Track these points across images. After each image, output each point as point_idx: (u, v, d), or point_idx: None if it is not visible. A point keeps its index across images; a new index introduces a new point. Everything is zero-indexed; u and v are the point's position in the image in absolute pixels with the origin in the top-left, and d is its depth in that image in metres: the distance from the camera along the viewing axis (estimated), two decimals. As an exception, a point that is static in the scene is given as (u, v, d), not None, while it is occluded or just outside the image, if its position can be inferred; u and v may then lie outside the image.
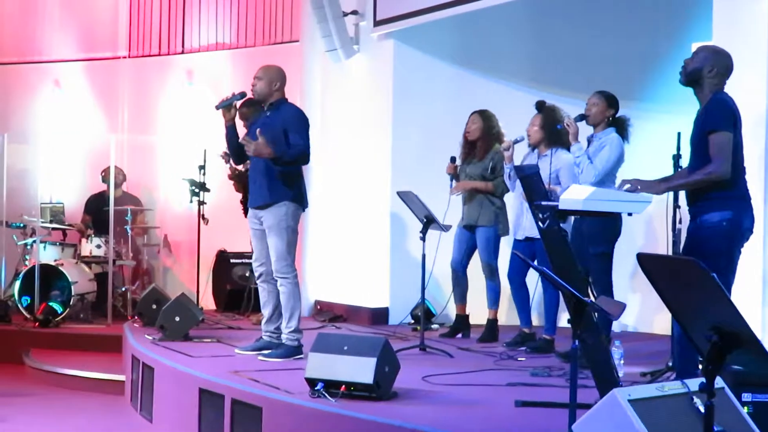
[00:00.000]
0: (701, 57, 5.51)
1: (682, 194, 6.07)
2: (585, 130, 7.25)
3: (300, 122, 7.21)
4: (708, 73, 5.47)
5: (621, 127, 7.16)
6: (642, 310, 9.30)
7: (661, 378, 6.31)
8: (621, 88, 8.45)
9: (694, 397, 3.52)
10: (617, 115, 7.19)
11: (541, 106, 7.69)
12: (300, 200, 7.25)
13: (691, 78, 5.50)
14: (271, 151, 7.01)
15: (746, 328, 3.00)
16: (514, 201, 8.04)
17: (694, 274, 3.04)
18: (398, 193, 8.34)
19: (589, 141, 7.21)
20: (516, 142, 7.77)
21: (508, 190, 8.22)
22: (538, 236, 7.48)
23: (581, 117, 7.16)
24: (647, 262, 3.21)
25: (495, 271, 8.36)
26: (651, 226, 8.97)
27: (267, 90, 7.27)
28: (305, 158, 7.18)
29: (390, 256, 9.90)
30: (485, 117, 8.43)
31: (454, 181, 8.43)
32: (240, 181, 9.20)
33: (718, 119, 5.37)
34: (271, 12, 11.93)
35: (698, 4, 7.86)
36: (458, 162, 8.46)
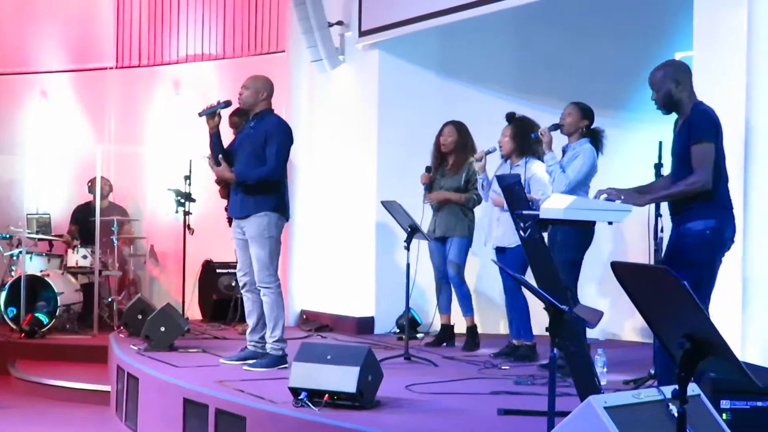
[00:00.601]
0: (660, 79, 5.56)
1: (664, 203, 6.11)
2: (561, 139, 7.30)
3: (279, 134, 7.23)
4: (676, 88, 5.52)
5: (595, 138, 7.23)
6: (612, 317, 9.31)
7: (643, 386, 6.34)
8: (604, 97, 8.53)
9: (670, 404, 3.55)
10: (593, 127, 7.25)
11: (511, 117, 7.76)
12: (282, 210, 7.27)
13: (668, 103, 5.55)
14: (233, 177, 7.16)
15: (717, 335, 3.03)
16: (485, 211, 8.11)
17: (666, 282, 3.07)
18: (383, 203, 8.37)
19: (564, 151, 7.28)
20: (488, 152, 7.83)
21: (479, 202, 8.30)
22: (508, 245, 7.63)
23: (555, 126, 7.23)
24: (620, 270, 3.24)
25: (462, 277, 8.42)
26: (636, 235, 9.00)
27: (253, 100, 7.30)
28: (272, 177, 7.20)
29: (375, 265, 9.93)
30: (460, 130, 8.49)
31: (426, 193, 8.48)
32: (226, 186, 9.22)
33: (702, 130, 5.41)
34: (257, 23, 11.96)
35: (680, 15, 7.91)
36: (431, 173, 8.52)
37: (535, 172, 7.57)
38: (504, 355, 7.87)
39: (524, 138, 7.63)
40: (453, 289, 8.52)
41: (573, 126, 7.22)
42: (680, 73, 5.58)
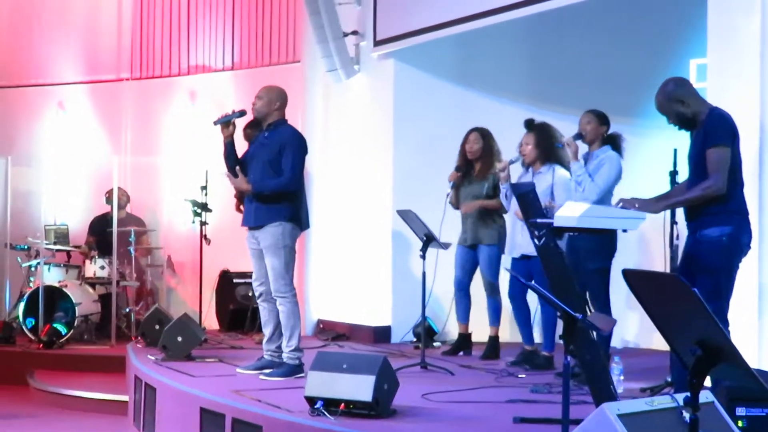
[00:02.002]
0: (664, 103, 5.58)
1: (679, 210, 6.11)
2: (581, 148, 7.30)
3: (294, 145, 7.26)
4: (683, 106, 5.52)
5: (615, 143, 7.22)
6: (642, 326, 9.31)
7: (660, 394, 6.32)
8: (618, 105, 8.52)
9: (683, 411, 3.54)
10: (610, 132, 7.25)
11: (530, 124, 7.75)
12: (296, 219, 7.29)
13: (684, 121, 5.56)
14: (249, 188, 7.18)
15: (728, 342, 3.03)
16: (509, 220, 8.09)
17: (677, 289, 3.08)
18: (398, 212, 8.38)
19: (586, 159, 7.26)
20: (512, 162, 7.80)
21: (505, 211, 8.29)
22: (534, 254, 7.60)
23: (578, 136, 7.21)
24: (632, 278, 3.25)
25: (496, 289, 8.41)
26: (648, 242, 8.99)
27: (266, 110, 7.32)
28: (288, 188, 7.23)
29: (392, 274, 9.93)
30: (485, 136, 8.48)
31: (451, 192, 8.45)
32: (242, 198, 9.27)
33: (717, 134, 5.41)
34: (273, 33, 12.01)
35: (694, 22, 7.91)
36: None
37: (561, 178, 7.53)
38: (518, 362, 7.86)
39: (549, 145, 7.62)
40: (486, 299, 8.45)
41: (594, 134, 7.21)
42: (679, 89, 5.58)
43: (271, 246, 7.16)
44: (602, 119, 7.23)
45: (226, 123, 7.29)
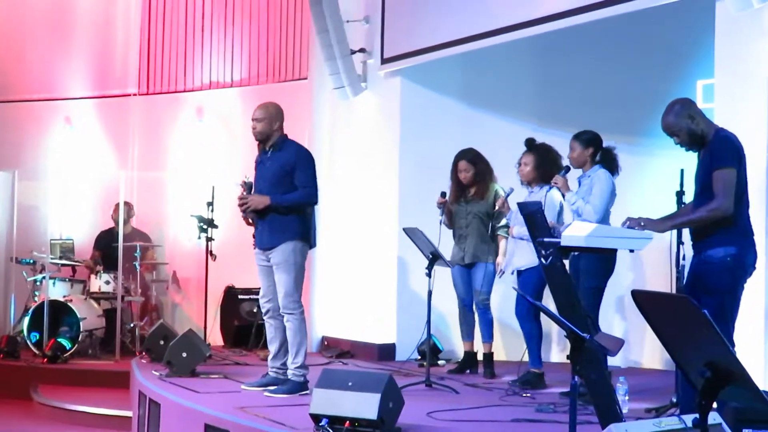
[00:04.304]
0: (674, 121, 5.58)
1: (686, 231, 6.11)
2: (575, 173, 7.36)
3: (307, 161, 7.28)
4: (693, 122, 5.53)
5: (608, 158, 7.24)
6: (648, 346, 9.30)
7: (665, 414, 6.31)
8: (624, 124, 8.54)
9: (691, 432, 3.54)
10: (605, 146, 7.26)
11: (530, 144, 7.79)
12: (306, 237, 7.30)
13: (694, 139, 5.56)
14: (267, 200, 7.13)
15: (738, 364, 3.03)
16: (510, 240, 8.14)
17: (686, 310, 3.07)
18: (404, 230, 8.38)
19: (580, 182, 7.30)
20: (508, 196, 7.88)
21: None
22: (521, 267, 7.67)
23: (566, 169, 7.31)
24: (641, 299, 3.25)
25: (488, 306, 8.43)
26: (658, 263, 8.98)
27: (268, 130, 7.30)
28: (312, 201, 7.27)
29: (397, 291, 9.93)
30: (474, 162, 8.47)
31: (444, 216, 8.46)
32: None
33: (724, 156, 5.42)
34: (280, 50, 12.05)
35: (701, 43, 7.92)
36: (447, 198, 8.52)
37: (550, 199, 7.58)
38: (521, 382, 7.83)
39: (548, 168, 7.66)
40: (480, 316, 8.49)
41: (579, 159, 7.29)
42: (688, 107, 5.60)
43: (282, 263, 7.17)
44: (587, 142, 7.26)
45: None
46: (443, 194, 8.52)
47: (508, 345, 9.61)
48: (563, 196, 7.39)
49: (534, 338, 7.83)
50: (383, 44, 10.09)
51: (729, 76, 6.79)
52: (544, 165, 7.74)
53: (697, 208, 5.56)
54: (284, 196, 7.18)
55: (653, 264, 8.97)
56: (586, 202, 7.06)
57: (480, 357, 8.68)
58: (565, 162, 7.51)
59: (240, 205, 7.24)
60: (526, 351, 7.83)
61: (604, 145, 7.30)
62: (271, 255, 7.24)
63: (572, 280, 5.74)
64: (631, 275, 9.27)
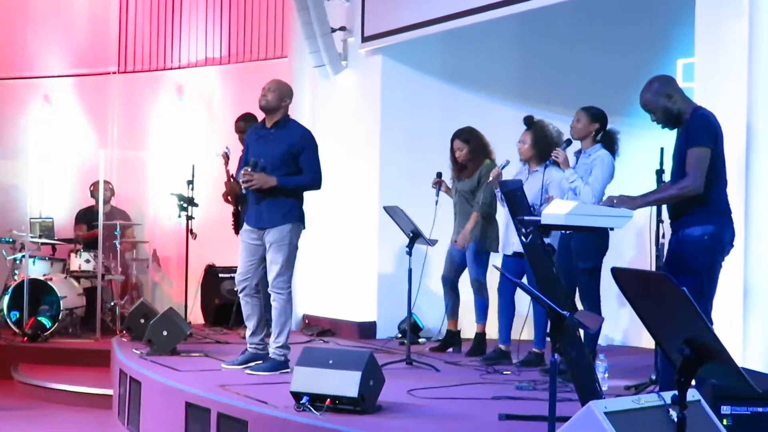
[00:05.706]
0: (651, 99, 5.59)
1: (665, 209, 6.13)
2: (574, 145, 7.32)
3: (314, 145, 7.28)
4: (670, 101, 5.54)
5: (610, 141, 7.21)
6: (629, 324, 9.35)
7: (645, 391, 6.35)
8: (608, 103, 8.50)
9: (670, 409, 3.56)
10: (608, 128, 7.24)
11: (529, 121, 7.75)
12: (303, 219, 7.31)
13: (670, 118, 5.57)
14: (274, 181, 7.09)
15: (717, 341, 3.05)
16: (503, 218, 8.09)
17: (665, 288, 3.09)
18: (385, 208, 8.37)
19: (577, 156, 7.25)
20: (503, 167, 7.82)
21: (493, 207, 8.27)
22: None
23: (567, 143, 7.24)
24: (621, 277, 3.26)
25: (483, 286, 8.39)
26: (639, 241, 9.02)
27: (276, 104, 7.24)
28: (317, 185, 7.31)
29: (378, 270, 9.94)
30: (468, 140, 8.43)
31: (439, 194, 8.44)
32: (235, 198, 9.21)
33: (699, 135, 5.43)
34: (260, 28, 12.00)
35: (682, 22, 7.93)
36: (445, 178, 8.51)
37: (554, 177, 7.51)
38: (492, 359, 7.84)
39: (545, 144, 7.62)
40: (474, 295, 8.46)
41: (582, 131, 7.20)
42: (667, 86, 5.61)
43: (278, 242, 7.13)
44: (594, 117, 7.20)
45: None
46: (438, 174, 8.50)
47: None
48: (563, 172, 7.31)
49: (504, 313, 7.87)
50: (364, 22, 10.07)
51: (709, 54, 6.80)
52: (542, 141, 7.68)
53: (671, 186, 5.58)
54: (290, 177, 7.16)
55: (638, 243, 9.01)
56: (585, 182, 7.03)
57: (464, 336, 8.70)
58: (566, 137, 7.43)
59: (244, 182, 7.18)
60: (522, 331, 7.85)
61: (609, 127, 7.27)
62: (267, 234, 7.19)
63: (552, 258, 5.74)
64: (632, 253, 9.30)
